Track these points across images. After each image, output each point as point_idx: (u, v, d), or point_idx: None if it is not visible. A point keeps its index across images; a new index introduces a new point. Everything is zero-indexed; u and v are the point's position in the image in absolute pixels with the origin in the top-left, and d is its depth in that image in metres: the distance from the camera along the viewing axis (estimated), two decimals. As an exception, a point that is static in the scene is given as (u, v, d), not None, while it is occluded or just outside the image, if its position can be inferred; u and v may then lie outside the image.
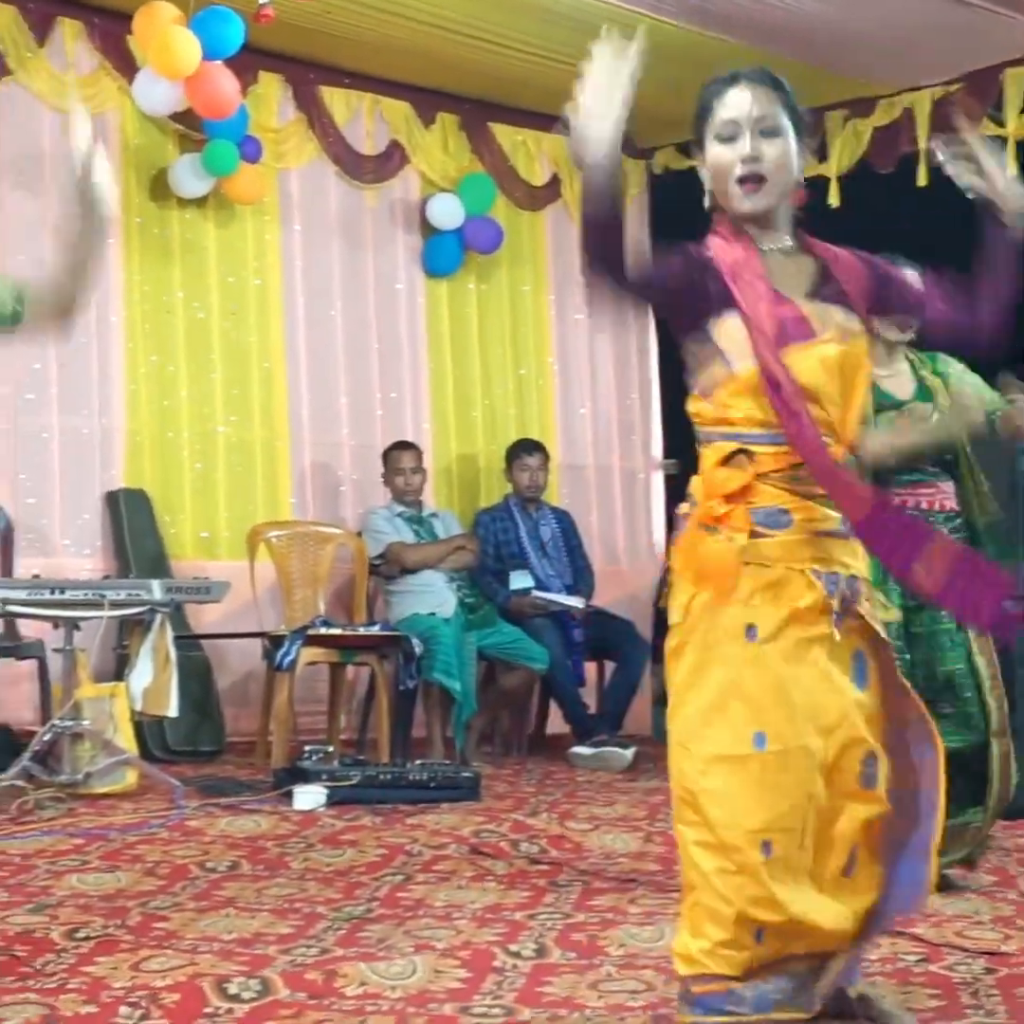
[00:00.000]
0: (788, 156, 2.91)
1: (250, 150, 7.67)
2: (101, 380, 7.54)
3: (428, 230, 8.63)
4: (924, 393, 4.59)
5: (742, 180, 2.89)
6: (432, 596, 7.40)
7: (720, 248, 2.92)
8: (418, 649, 6.85)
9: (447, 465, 8.64)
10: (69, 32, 7.47)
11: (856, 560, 2.92)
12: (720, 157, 2.92)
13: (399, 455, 7.74)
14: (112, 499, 7.47)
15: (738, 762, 2.81)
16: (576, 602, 7.73)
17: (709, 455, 2.91)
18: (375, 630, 7.05)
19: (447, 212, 8.51)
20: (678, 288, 2.88)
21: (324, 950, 3.67)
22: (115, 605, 5.76)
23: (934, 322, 3.09)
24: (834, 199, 8.37)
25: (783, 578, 2.84)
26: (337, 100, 8.37)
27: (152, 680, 5.89)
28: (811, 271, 2.95)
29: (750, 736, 2.81)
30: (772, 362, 2.81)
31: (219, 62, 7.07)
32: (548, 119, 8.86)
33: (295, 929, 3.89)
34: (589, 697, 7.75)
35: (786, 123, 2.91)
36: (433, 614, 7.25)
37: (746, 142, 2.88)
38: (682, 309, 2.92)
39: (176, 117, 7.58)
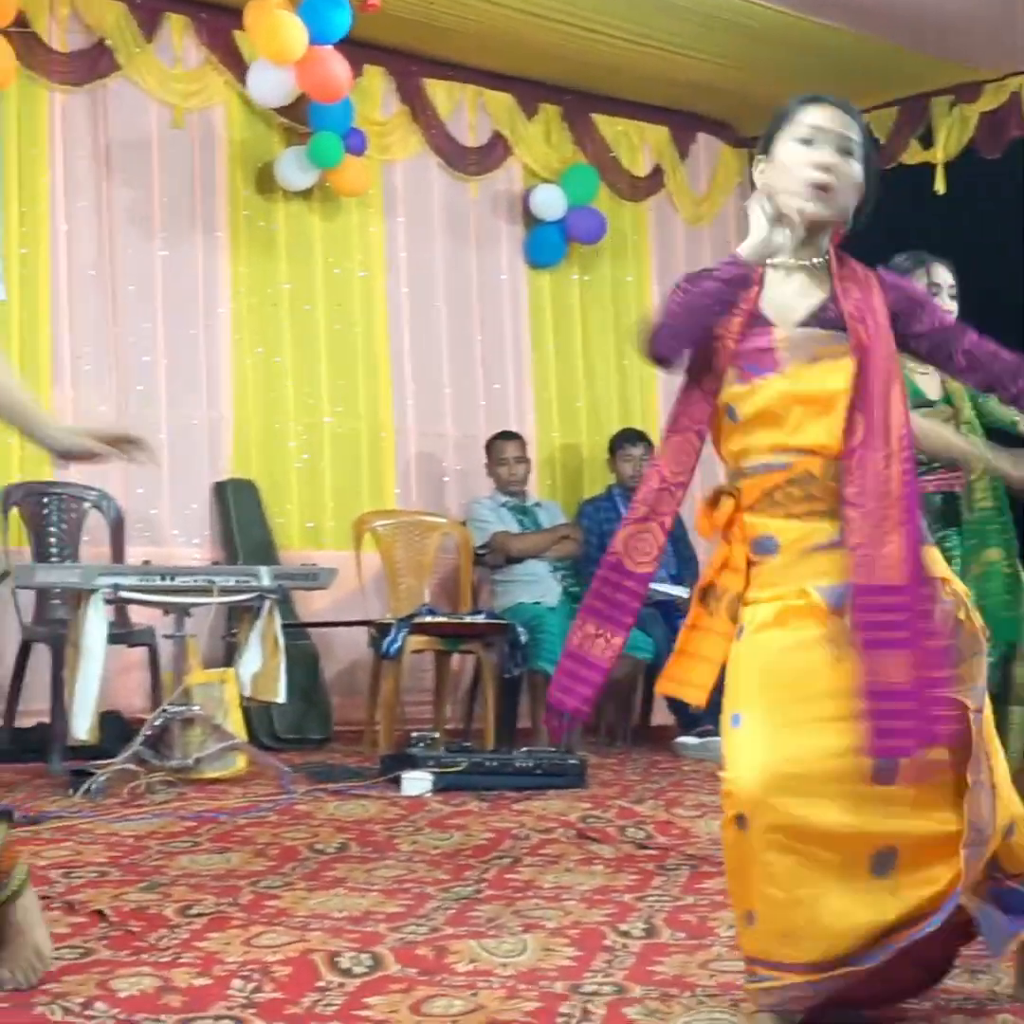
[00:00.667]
0: (856, 180, 2.88)
1: (355, 142, 7.72)
2: (209, 372, 7.63)
3: (531, 221, 8.65)
4: (947, 397, 4.79)
5: (814, 188, 2.84)
6: (537, 585, 7.41)
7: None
8: (523, 637, 6.87)
9: (550, 455, 8.65)
10: (176, 27, 7.56)
11: None
12: (796, 156, 2.87)
13: (503, 445, 7.76)
14: (220, 489, 7.55)
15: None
16: (681, 591, 7.69)
17: (701, 504, 2.99)
18: (480, 618, 7.06)
19: (550, 203, 8.52)
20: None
21: (434, 928, 3.68)
22: (224, 591, 5.82)
23: (971, 353, 2.97)
24: (940, 185, 8.30)
25: (778, 595, 2.83)
26: (440, 92, 8.41)
27: (261, 666, 5.94)
28: (821, 294, 2.90)
29: (729, 716, 2.83)
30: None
31: (328, 46, 7.10)
32: (651, 109, 8.99)
33: (405, 908, 3.91)
34: (694, 688, 7.70)
35: (860, 152, 2.89)
36: (538, 603, 7.27)
37: (826, 151, 2.85)
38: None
39: (282, 110, 7.66)
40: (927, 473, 4.65)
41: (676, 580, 7.83)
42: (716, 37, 7.94)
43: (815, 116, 2.88)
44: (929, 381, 4.74)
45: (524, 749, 6.29)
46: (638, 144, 9.11)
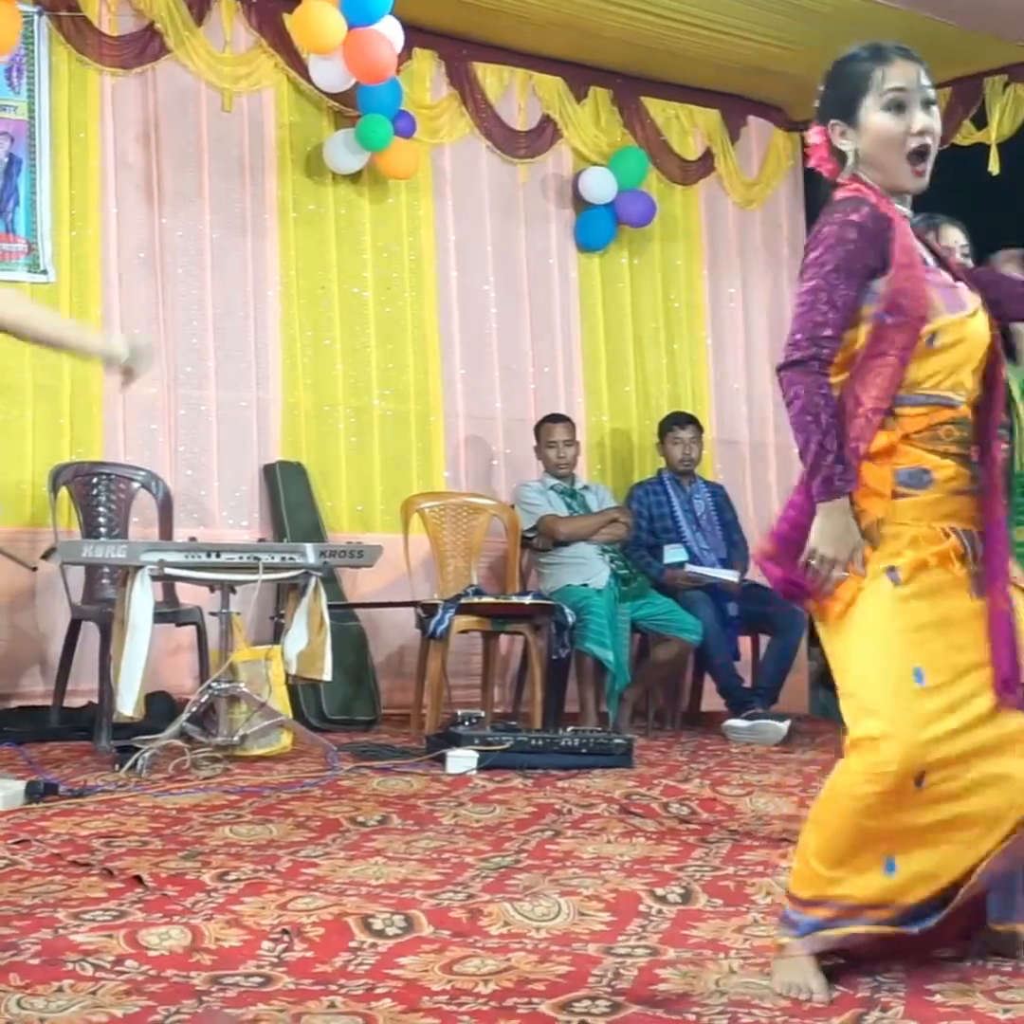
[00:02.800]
0: (940, 130, 2.99)
1: (404, 126, 7.71)
2: (258, 354, 7.64)
3: (580, 204, 8.62)
4: None
5: (916, 155, 2.94)
6: (585, 568, 7.39)
7: (889, 210, 2.95)
8: (571, 619, 6.84)
9: (599, 439, 8.62)
10: (226, 11, 7.58)
11: (980, 515, 2.97)
12: (890, 128, 2.92)
13: (552, 428, 7.74)
14: (269, 471, 7.56)
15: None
16: (731, 576, 7.66)
17: (858, 411, 2.94)
18: (528, 599, 7.04)
19: (600, 186, 8.49)
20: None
21: (470, 895, 3.67)
22: (270, 568, 5.81)
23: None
24: (994, 166, 8.22)
25: (920, 535, 2.87)
26: (489, 76, 8.40)
27: (307, 644, 5.94)
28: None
29: (910, 671, 2.80)
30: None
31: (372, 27, 7.08)
32: (701, 93, 8.96)
33: (443, 877, 3.90)
34: (744, 672, 7.68)
35: (935, 96, 2.98)
36: (586, 585, 7.24)
37: (917, 114, 2.92)
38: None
39: (331, 94, 7.66)
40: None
41: (724, 564, 7.79)
42: (766, 18, 7.89)
43: (898, 78, 2.92)
44: None
45: (571, 728, 6.27)
46: (688, 127, 9.06)
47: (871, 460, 2.87)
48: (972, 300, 2.97)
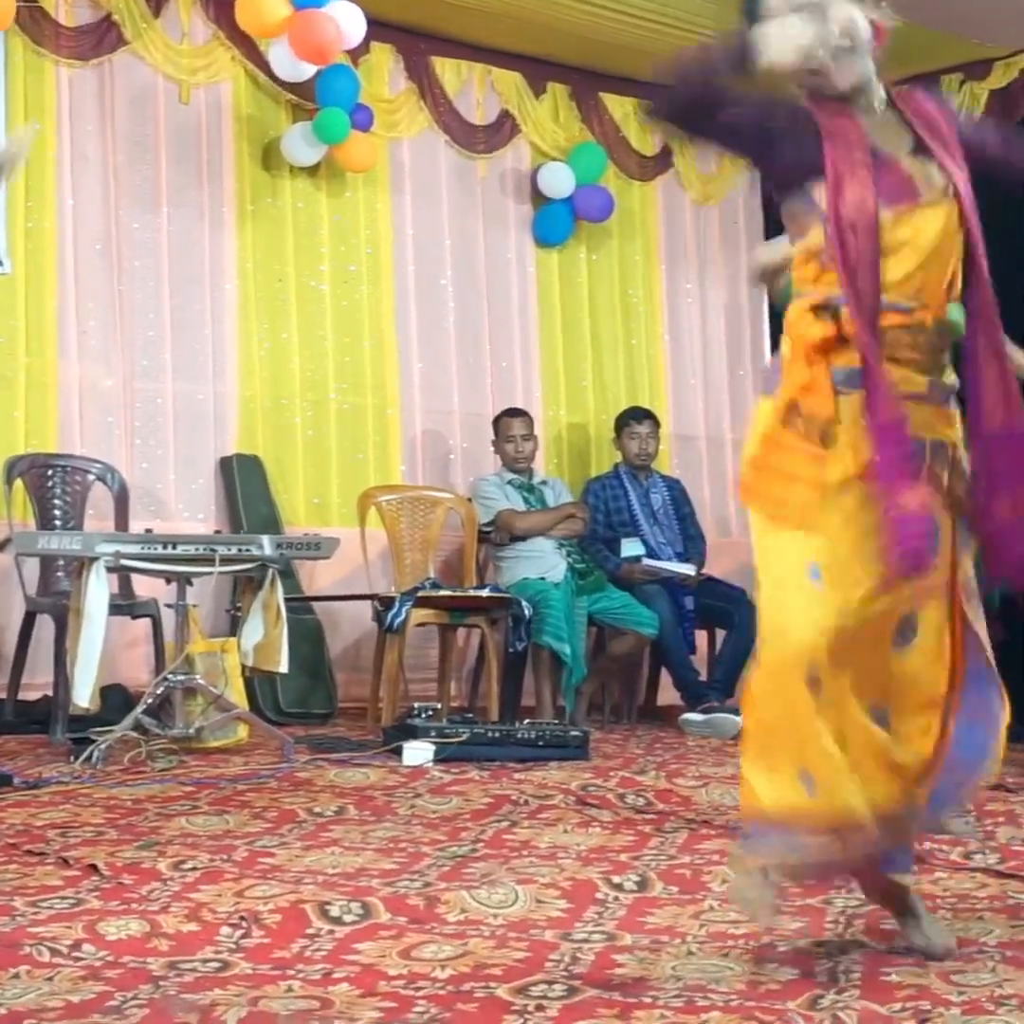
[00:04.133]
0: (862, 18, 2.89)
1: (361, 119, 7.70)
2: (215, 347, 7.61)
3: (539, 199, 8.63)
4: None
5: (839, 52, 2.84)
6: (542, 561, 7.40)
7: (820, 111, 2.87)
8: (528, 612, 6.84)
9: (557, 434, 8.63)
10: (183, 3, 7.55)
11: (947, 427, 2.91)
12: (802, 34, 2.82)
13: (510, 422, 7.74)
14: (226, 465, 7.54)
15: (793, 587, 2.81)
16: (687, 569, 7.69)
17: (798, 305, 2.90)
18: (485, 593, 7.05)
19: (558, 181, 8.50)
20: (772, 133, 2.88)
21: (427, 883, 3.68)
22: (226, 560, 5.79)
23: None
24: (950, 164, 8.25)
25: (859, 437, 2.81)
26: (448, 70, 8.39)
27: (263, 636, 5.92)
28: (907, 130, 2.91)
29: (806, 566, 2.79)
30: (844, 224, 2.78)
31: (316, 9, 7.12)
32: (659, 90, 8.95)
33: (399, 865, 3.90)
34: (700, 666, 7.70)
35: None
36: (543, 579, 7.25)
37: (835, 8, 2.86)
38: (778, 157, 2.93)
39: (289, 86, 7.65)
40: None
41: (682, 558, 7.82)
42: (724, 15, 7.88)
43: None
44: None
45: (527, 721, 6.28)
46: (646, 123, 9.08)
47: (806, 359, 2.84)
48: (932, 186, 2.86)
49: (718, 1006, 2.69)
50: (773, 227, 9.38)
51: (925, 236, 2.81)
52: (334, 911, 3.30)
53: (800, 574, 2.79)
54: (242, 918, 3.23)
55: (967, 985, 2.77)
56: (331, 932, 3.19)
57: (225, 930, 3.17)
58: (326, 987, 2.80)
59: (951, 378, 2.93)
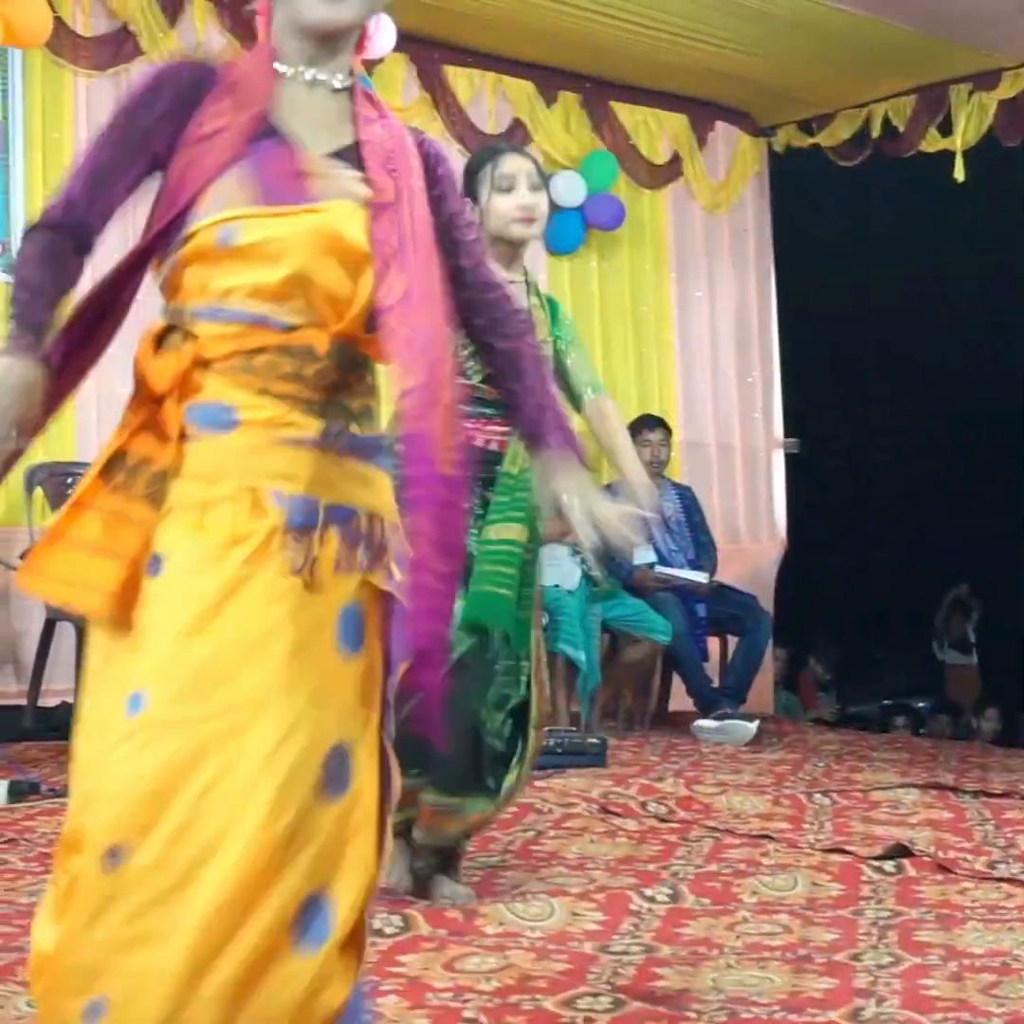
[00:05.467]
0: None
1: (375, 128, 7.72)
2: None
3: (550, 208, 8.61)
4: None
5: None
6: (556, 569, 7.42)
7: (229, 67, 2.31)
8: (544, 620, 6.87)
9: (569, 441, 8.66)
10: (199, 12, 7.58)
11: (361, 488, 2.19)
12: None
13: (523, 429, 7.77)
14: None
15: (106, 727, 2.04)
16: (699, 577, 7.73)
17: (144, 338, 2.24)
18: (500, 601, 7.08)
19: (569, 190, 8.54)
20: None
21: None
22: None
23: (487, 277, 2.43)
24: (959, 174, 8.29)
25: (215, 499, 2.10)
26: (460, 79, 8.43)
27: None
28: (348, 125, 2.29)
29: (126, 695, 2.02)
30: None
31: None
32: (669, 97, 9.00)
33: (431, 876, 3.95)
34: (712, 673, 7.75)
35: None
36: (557, 586, 7.29)
37: None
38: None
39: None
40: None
41: (694, 565, 7.86)
42: (735, 25, 7.96)
43: None
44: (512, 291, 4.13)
45: (545, 728, 6.31)
46: (657, 132, 9.12)
47: (151, 392, 2.18)
48: (337, 191, 2.20)
49: (762, 1019, 2.74)
50: (782, 234, 9.50)
51: (304, 243, 2.16)
52: (375, 923, 3.34)
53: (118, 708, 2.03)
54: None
55: (1005, 997, 2.82)
56: (373, 944, 3.22)
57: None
58: (375, 1000, 2.85)
59: (376, 427, 2.23)
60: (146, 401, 2.17)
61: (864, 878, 4.00)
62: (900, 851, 4.28)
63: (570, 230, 8.63)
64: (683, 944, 3.27)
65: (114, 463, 2.15)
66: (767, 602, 8.45)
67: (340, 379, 2.17)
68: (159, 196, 2.27)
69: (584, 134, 8.84)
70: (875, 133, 8.75)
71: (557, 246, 8.68)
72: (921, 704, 11.26)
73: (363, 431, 2.19)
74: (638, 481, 4.20)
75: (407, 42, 8.13)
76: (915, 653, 11.99)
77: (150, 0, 7.40)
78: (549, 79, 8.70)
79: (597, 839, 4.51)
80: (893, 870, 4.09)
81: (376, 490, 2.20)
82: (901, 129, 8.62)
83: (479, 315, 2.40)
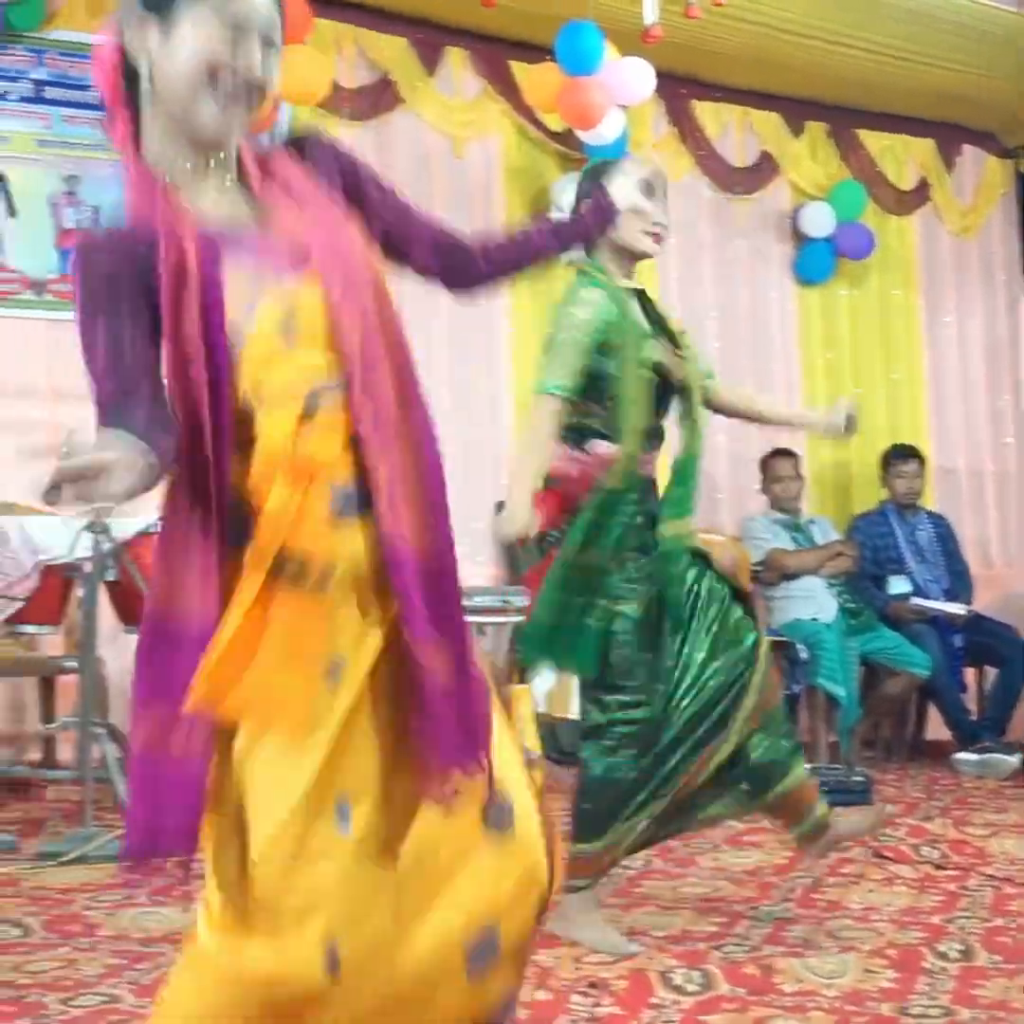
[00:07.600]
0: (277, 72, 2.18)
1: (628, 166, 7.84)
2: (490, 396, 7.83)
3: (799, 238, 8.71)
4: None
5: (229, 89, 2.11)
6: (813, 601, 7.47)
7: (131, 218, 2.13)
8: (803, 654, 6.94)
9: (820, 471, 8.70)
10: (456, 60, 7.79)
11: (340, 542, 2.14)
12: (198, 47, 2.09)
13: (779, 463, 7.83)
14: (502, 507, 7.71)
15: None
16: (957, 609, 7.70)
17: (271, 416, 2.08)
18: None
19: (819, 220, 8.58)
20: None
21: (753, 947, 3.82)
22: (521, 611, 6.00)
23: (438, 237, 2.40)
24: None
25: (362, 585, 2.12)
26: (708, 114, 8.52)
27: (555, 683, 6.12)
28: (250, 216, 2.18)
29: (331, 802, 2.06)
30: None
31: (587, 77, 7.22)
32: (915, 122, 8.98)
33: (719, 927, 4.05)
34: (968, 703, 7.71)
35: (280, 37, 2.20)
36: (815, 619, 7.33)
37: (251, 44, 2.11)
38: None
39: (556, 136, 7.84)
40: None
41: (949, 594, 7.84)
42: (974, 47, 7.97)
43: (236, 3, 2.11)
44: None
45: (807, 766, 6.35)
46: (904, 158, 9.11)
47: (295, 475, 2.08)
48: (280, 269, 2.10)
49: (1074, 1092, 2.78)
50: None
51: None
52: (676, 979, 3.46)
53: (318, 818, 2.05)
54: (592, 985, 3.40)
55: None
56: (676, 1002, 3.34)
57: (576, 997, 3.35)
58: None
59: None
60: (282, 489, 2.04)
61: None
62: None
63: (820, 260, 8.67)
64: (981, 1007, 3.31)
65: (286, 563, 2.05)
66: (1022, 627, 8.37)
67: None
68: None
69: (832, 163, 8.87)
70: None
71: (808, 276, 8.71)
72: None
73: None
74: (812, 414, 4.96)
75: (656, 79, 8.25)
76: None
77: (409, 50, 7.62)
78: (795, 110, 8.77)
79: (876, 887, 4.56)
80: None
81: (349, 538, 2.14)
82: None
83: (459, 256, 2.43)
